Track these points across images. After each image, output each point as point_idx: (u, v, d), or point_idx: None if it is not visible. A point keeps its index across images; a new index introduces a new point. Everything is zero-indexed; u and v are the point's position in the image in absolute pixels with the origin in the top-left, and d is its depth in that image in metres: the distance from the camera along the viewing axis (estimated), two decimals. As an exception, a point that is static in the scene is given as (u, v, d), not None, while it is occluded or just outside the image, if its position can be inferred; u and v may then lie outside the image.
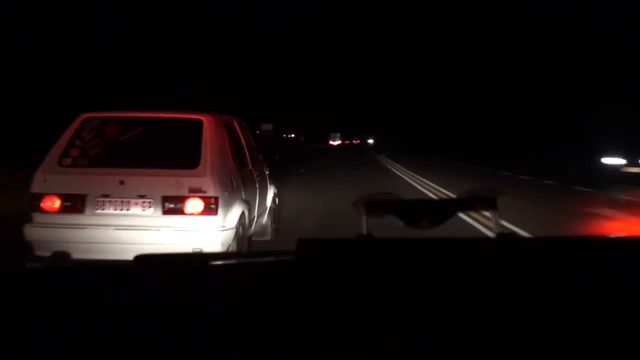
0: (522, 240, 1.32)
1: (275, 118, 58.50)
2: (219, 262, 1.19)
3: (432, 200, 1.80)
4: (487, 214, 1.20)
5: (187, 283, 1.00)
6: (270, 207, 5.63)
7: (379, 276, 0.90)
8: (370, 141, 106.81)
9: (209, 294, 0.94)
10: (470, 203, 1.23)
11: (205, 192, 3.69)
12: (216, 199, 3.72)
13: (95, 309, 0.84)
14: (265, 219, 5.44)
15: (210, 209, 3.69)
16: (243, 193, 4.37)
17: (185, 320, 0.79)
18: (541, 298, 0.83)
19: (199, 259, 1.26)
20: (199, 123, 4.01)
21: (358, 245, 1.06)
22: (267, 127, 52.28)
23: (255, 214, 4.88)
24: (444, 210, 1.16)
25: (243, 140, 5.03)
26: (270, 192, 5.74)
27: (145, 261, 1.15)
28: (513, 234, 1.19)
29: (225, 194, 3.88)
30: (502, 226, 1.13)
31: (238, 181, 4.31)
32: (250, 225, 4.60)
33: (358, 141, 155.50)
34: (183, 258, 1.29)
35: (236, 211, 4.07)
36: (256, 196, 4.92)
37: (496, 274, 0.92)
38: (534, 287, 0.87)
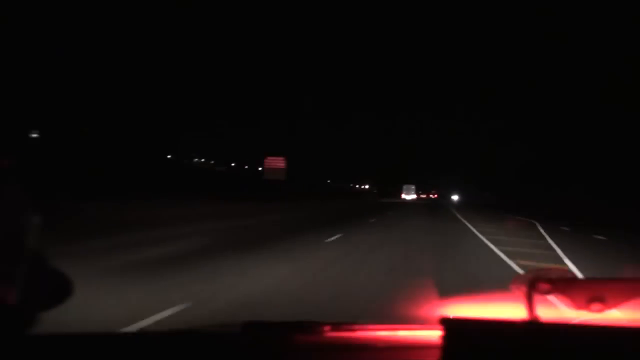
0: None
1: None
2: (340, 334, 1.21)
3: (608, 279, 0.99)
4: None
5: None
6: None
7: None
8: (455, 198, 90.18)
9: None
10: None
11: None
12: None
13: None
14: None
15: None
16: None
17: None
18: None
19: (311, 328, 1.20)
20: None
21: (526, 330, 0.90)
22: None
23: None
24: (619, 292, 0.99)
25: None
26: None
27: (253, 329, 1.20)
28: None
29: None
30: None
31: None
32: None
33: (436, 195, 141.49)
34: (292, 327, 1.25)
35: None
36: None
37: None
38: None
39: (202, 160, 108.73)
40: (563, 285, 0.98)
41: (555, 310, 1.00)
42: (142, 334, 1.40)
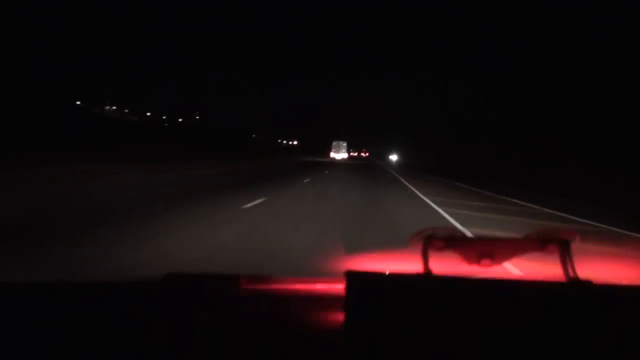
0: (599, 287, 1.07)
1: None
2: (252, 286, 1.23)
3: (497, 238, 1.14)
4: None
5: (217, 307, 1.06)
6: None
7: (437, 318, 0.87)
8: (394, 158, 76.02)
9: (239, 321, 0.98)
10: (538, 243, 1.10)
11: None
12: None
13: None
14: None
15: None
16: None
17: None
18: (611, 348, 0.82)
19: (231, 280, 1.25)
20: None
21: (418, 282, 1.01)
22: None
23: None
24: (507, 249, 1.09)
25: None
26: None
27: (174, 280, 1.22)
28: (590, 281, 1.06)
29: None
30: (575, 272, 1.04)
31: None
32: None
33: (367, 154, 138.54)
34: (214, 279, 1.29)
35: None
36: None
37: (565, 321, 0.89)
38: (605, 337, 0.85)
39: (114, 108, 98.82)
40: (455, 242, 1.06)
41: (453, 265, 1.06)
42: (55, 284, 1.19)
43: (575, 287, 1.02)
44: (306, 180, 17.92)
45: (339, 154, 64.90)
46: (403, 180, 23.05)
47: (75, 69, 74.74)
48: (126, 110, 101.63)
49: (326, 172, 26.95)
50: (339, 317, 0.88)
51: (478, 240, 1.12)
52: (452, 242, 1.06)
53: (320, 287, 1.34)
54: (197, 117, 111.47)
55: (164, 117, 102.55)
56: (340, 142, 66.61)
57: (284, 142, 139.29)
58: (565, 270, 1.04)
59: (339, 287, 0.98)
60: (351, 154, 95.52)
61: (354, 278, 0.94)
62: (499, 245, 1.09)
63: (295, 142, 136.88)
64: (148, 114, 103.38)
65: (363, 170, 33.09)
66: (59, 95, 55.55)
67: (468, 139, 53.35)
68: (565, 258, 1.05)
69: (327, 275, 1.42)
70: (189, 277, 1.25)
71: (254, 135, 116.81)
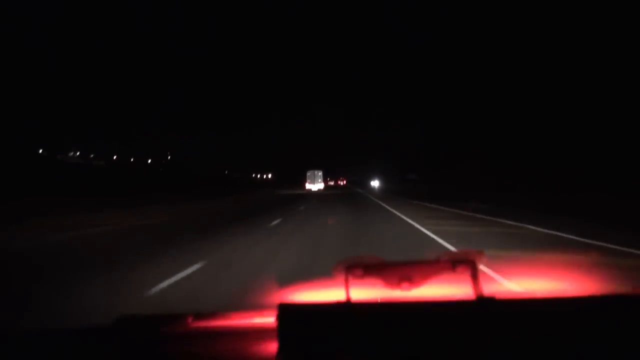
0: (502, 302, 1.16)
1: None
2: (198, 324, 1.36)
3: (412, 262, 1.20)
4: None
5: (169, 348, 1.15)
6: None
7: (358, 342, 0.97)
8: (375, 184, 71.59)
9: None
10: (450, 265, 1.19)
11: None
12: None
13: None
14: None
15: None
16: None
17: None
18: (515, 356, 0.92)
19: (179, 319, 1.36)
20: None
21: (339, 310, 1.07)
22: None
23: None
24: (423, 272, 1.17)
25: None
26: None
27: (125, 323, 1.30)
28: (493, 297, 1.15)
29: None
30: (481, 289, 1.12)
31: None
32: None
33: (344, 182, 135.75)
34: (163, 319, 1.39)
35: None
36: None
37: (474, 337, 0.98)
38: (513, 352, 0.95)
39: (78, 154, 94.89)
40: (374, 269, 1.13)
41: (384, 291, 1.11)
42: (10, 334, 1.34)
43: (482, 303, 1.11)
44: (275, 223, 13.73)
45: (315, 185, 59.32)
46: (406, 219, 14.84)
47: (38, 116, 71.44)
48: (92, 155, 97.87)
49: (302, 208, 22.17)
50: (274, 347, 0.99)
51: (395, 265, 1.17)
52: (371, 269, 1.14)
53: (257, 320, 1.43)
54: (169, 157, 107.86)
55: (132, 160, 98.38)
56: (315, 172, 60.72)
57: (259, 176, 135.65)
58: (475, 288, 1.13)
59: (273, 320, 1.05)
60: (328, 183, 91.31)
61: (284, 310, 1.02)
62: (415, 268, 1.16)
63: (269, 176, 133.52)
64: (114, 157, 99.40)
65: (346, 204, 26.88)
66: (20, 144, 52.74)
67: (453, 160, 51.46)
68: (475, 277, 1.14)
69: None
70: (140, 319, 1.36)
71: (226, 172, 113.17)
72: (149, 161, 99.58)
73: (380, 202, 27.40)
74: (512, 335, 0.98)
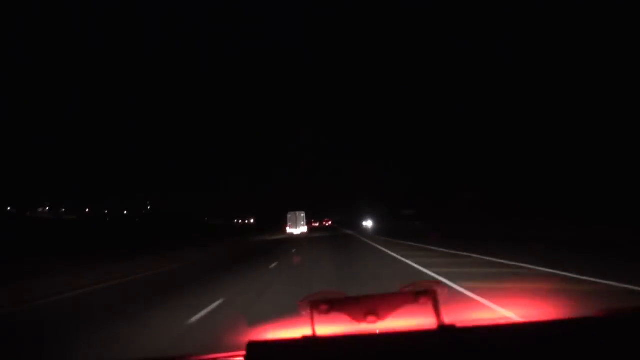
0: (462, 330, 1.18)
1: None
2: None
3: (375, 295, 1.26)
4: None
5: None
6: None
7: None
8: (368, 224, 64.45)
9: None
10: (412, 296, 1.21)
11: None
12: None
13: None
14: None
15: None
16: None
17: None
18: None
19: None
20: None
21: (303, 345, 1.12)
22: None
23: None
24: (388, 305, 1.18)
25: None
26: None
27: None
28: (453, 325, 1.18)
29: None
30: (442, 318, 1.16)
31: None
32: None
33: (330, 223, 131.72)
34: None
35: None
36: None
37: None
38: None
39: (47, 209, 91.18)
40: (340, 304, 1.17)
41: (349, 325, 1.20)
42: None
43: (443, 332, 1.15)
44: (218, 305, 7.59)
45: (298, 228, 53.25)
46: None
47: (5, 173, 68.41)
48: (63, 210, 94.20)
49: (273, 266, 14.73)
50: None
51: (360, 299, 1.20)
52: (336, 304, 1.17)
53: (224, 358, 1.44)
54: (149, 207, 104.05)
55: (106, 212, 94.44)
56: (297, 213, 53.99)
57: (240, 221, 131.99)
58: (437, 317, 1.18)
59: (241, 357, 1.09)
60: (313, 225, 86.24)
61: (253, 347, 1.08)
62: (379, 301, 1.19)
63: (252, 220, 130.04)
64: (87, 210, 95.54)
65: (339, 253, 18.84)
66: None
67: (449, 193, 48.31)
68: (436, 307, 1.18)
69: None
70: None
71: (206, 219, 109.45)
72: (125, 212, 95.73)
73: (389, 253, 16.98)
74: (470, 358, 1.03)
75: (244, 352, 1.05)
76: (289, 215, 55.39)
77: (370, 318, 1.14)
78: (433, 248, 18.21)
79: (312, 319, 1.15)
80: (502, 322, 1.26)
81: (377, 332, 1.14)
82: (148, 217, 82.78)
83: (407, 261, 13.49)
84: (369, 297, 1.18)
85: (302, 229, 54.33)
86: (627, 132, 30.00)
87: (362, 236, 35.75)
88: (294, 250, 22.74)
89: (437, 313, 1.17)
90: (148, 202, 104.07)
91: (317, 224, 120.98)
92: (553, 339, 1.09)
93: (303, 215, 55.22)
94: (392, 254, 16.52)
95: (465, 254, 14.97)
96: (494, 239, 21.47)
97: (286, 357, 1.06)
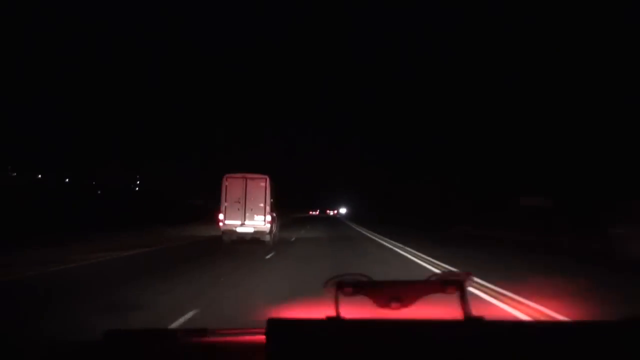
0: (489, 323, 1.19)
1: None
2: (188, 340, 1.39)
3: (401, 281, 1.29)
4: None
5: None
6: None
7: (347, 358, 0.97)
8: (342, 211, 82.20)
9: None
10: (439, 285, 1.21)
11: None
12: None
13: None
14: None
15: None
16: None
17: None
18: None
19: (168, 335, 1.43)
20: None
21: (327, 326, 1.10)
22: None
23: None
24: (413, 292, 1.18)
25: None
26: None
27: (115, 338, 1.30)
28: (480, 317, 1.17)
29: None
30: (470, 310, 1.15)
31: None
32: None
33: (334, 212, 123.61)
34: (152, 335, 1.41)
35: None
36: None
37: (462, 358, 0.99)
38: None
39: (14, 174, 75.91)
40: (364, 288, 1.17)
41: (372, 309, 1.13)
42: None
43: (470, 324, 1.14)
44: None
45: (247, 221, 27.16)
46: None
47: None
48: (39, 176, 78.73)
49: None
50: None
51: (385, 284, 1.20)
52: (361, 287, 1.16)
53: (248, 336, 1.47)
54: (138, 182, 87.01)
55: (67, 180, 77.87)
56: (247, 180, 25.86)
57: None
58: (463, 309, 1.17)
59: (262, 336, 1.05)
60: (311, 213, 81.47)
61: (274, 325, 1.04)
62: (404, 288, 1.18)
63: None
64: (67, 180, 79.67)
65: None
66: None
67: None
68: (463, 298, 1.18)
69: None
70: (129, 334, 1.37)
71: (189, 201, 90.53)
72: (94, 182, 78.68)
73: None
74: (499, 357, 1.00)
75: (263, 329, 1.02)
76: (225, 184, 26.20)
77: (394, 304, 1.14)
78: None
79: (336, 300, 1.15)
80: (531, 320, 1.52)
81: (403, 319, 1.10)
82: (111, 193, 65.13)
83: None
84: (394, 283, 1.19)
85: (257, 222, 26.40)
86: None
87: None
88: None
89: (464, 304, 1.17)
90: (137, 177, 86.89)
91: (317, 212, 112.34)
92: (583, 341, 1.06)
93: (263, 186, 25.47)
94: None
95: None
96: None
97: (309, 337, 1.02)
